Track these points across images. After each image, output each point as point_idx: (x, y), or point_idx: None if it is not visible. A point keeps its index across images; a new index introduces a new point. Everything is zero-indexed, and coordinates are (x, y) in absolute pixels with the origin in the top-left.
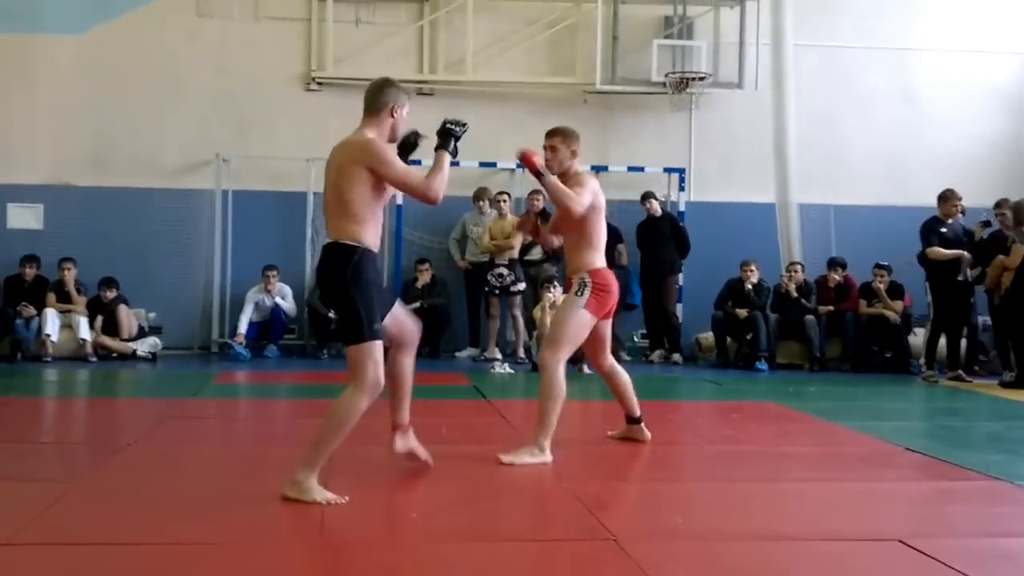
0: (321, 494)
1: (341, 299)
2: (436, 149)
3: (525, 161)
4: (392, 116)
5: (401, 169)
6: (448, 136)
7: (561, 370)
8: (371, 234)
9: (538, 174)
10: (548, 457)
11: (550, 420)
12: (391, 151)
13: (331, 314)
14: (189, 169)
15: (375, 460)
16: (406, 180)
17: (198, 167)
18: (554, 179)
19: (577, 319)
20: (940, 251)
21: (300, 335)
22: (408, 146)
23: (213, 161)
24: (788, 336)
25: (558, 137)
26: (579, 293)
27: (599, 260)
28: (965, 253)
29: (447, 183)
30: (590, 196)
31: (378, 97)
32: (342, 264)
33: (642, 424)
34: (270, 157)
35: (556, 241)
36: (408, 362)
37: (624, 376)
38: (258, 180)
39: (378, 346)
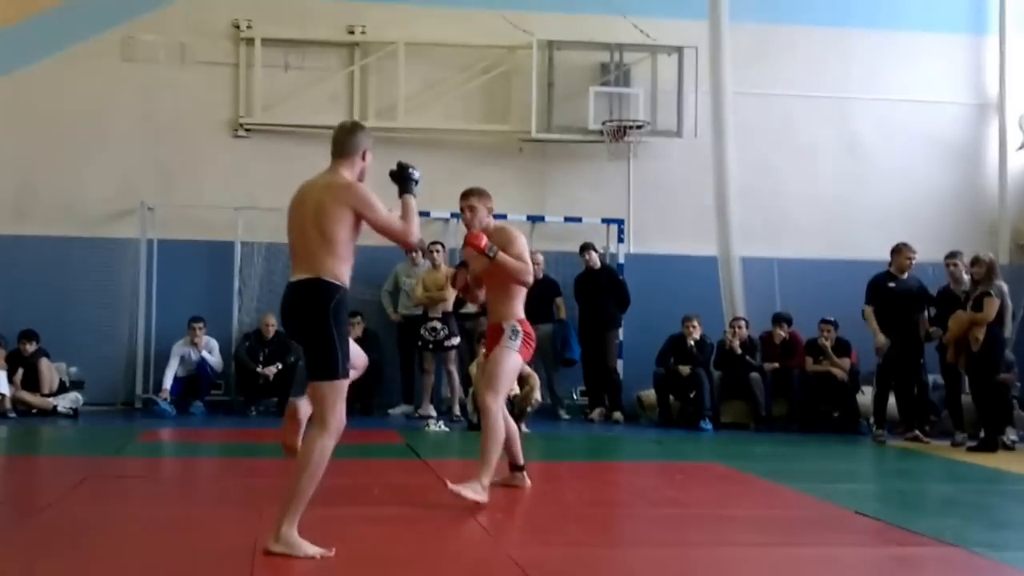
0: (312, 548)
1: (318, 334)
2: (401, 194)
3: (473, 245)
4: (363, 160)
5: (384, 213)
6: (408, 180)
7: (501, 413)
8: (347, 275)
9: (488, 256)
10: (486, 497)
11: (492, 460)
12: (375, 195)
13: (260, 368)
14: (113, 218)
15: (303, 523)
16: (389, 224)
17: (122, 216)
18: (504, 256)
19: (512, 362)
20: (870, 317)
21: (227, 391)
22: (400, 178)
23: (138, 209)
24: (732, 394)
25: (474, 196)
26: (512, 338)
27: (522, 309)
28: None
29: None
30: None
31: (351, 140)
32: (324, 300)
33: (524, 472)
34: (197, 205)
35: (482, 295)
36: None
37: (512, 426)
38: (184, 229)
39: (345, 386)
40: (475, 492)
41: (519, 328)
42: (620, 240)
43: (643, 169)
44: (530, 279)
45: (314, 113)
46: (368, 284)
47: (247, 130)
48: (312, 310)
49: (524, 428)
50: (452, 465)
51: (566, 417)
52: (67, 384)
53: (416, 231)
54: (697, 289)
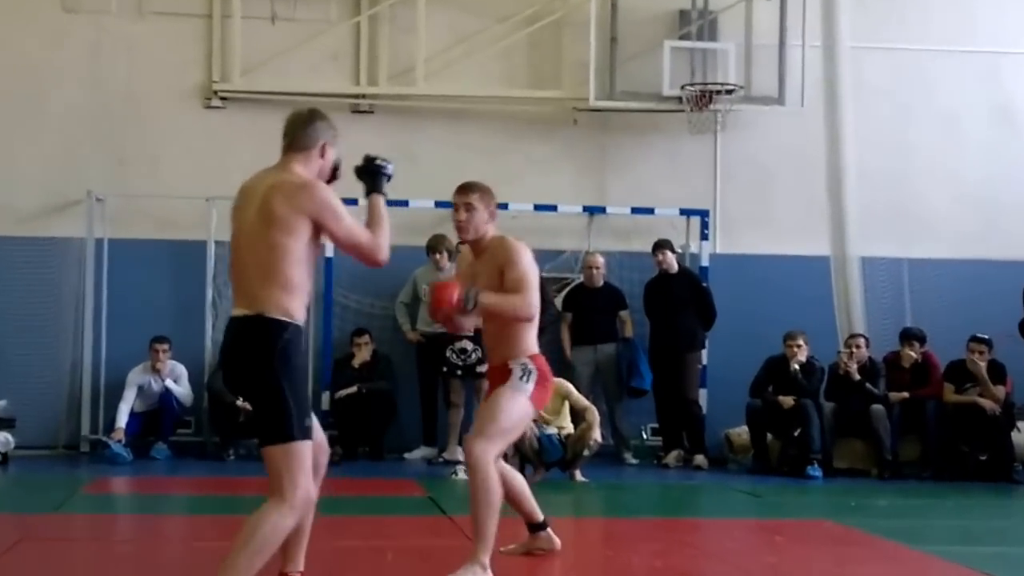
0: None
1: (264, 388)
2: (368, 193)
3: (443, 303)
4: (322, 156)
5: (349, 223)
6: (379, 175)
7: (495, 469)
8: (301, 305)
9: (465, 310)
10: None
11: (489, 531)
12: (339, 200)
13: (240, 402)
14: (52, 212)
15: None
16: (355, 238)
17: (64, 209)
18: (490, 298)
19: (521, 409)
20: None
21: (198, 429)
22: (368, 172)
23: (84, 201)
24: (849, 432)
25: (476, 194)
26: (525, 379)
27: (534, 342)
28: None
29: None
30: (536, 282)
31: (307, 132)
32: (268, 345)
33: (549, 529)
34: (158, 196)
35: (469, 323)
36: (313, 491)
37: (517, 478)
38: (143, 226)
39: (308, 448)
40: None
41: (532, 367)
42: (704, 237)
43: (734, 146)
44: (535, 312)
45: (309, 77)
46: (378, 295)
47: (223, 99)
48: (253, 357)
49: (579, 476)
50: None
51: (633, 462)
52: None
53: (386, 245)
54: (803, 299)
